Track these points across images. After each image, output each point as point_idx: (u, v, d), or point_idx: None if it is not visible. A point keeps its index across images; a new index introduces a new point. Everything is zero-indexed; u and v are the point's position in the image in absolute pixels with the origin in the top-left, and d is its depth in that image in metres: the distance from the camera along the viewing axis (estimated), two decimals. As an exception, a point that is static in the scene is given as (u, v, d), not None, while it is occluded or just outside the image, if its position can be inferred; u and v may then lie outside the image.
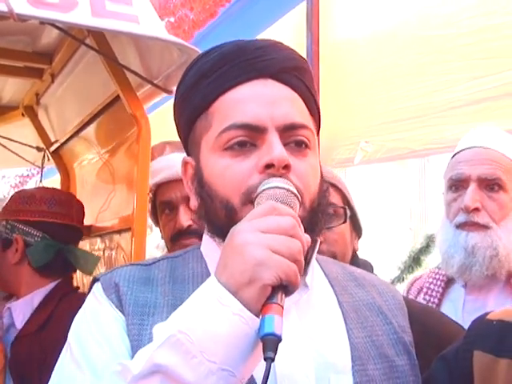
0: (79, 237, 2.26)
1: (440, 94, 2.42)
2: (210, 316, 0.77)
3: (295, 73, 1.00)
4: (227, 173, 0.94)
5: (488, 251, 1.71)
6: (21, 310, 2.02)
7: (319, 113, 1.06)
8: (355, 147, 2.87)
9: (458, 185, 1.79)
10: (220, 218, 0.96)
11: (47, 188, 2.40)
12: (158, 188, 1.95)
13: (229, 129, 0.94)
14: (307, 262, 0.98)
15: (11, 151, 3.19)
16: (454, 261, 1.76)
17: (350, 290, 1.09)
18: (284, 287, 0.78)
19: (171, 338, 0.76)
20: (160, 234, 2.00)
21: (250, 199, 0.92)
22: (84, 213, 2.29)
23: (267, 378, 0.73)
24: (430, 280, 1.92)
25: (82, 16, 1.60)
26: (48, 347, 1.80)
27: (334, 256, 1.44)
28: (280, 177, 0.91)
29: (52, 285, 2.07)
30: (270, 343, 0.74)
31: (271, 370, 0.77)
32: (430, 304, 1.84)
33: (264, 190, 0.89)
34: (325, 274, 1.09)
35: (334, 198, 1.49)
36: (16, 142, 3.12)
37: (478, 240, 1.72)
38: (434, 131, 2.51)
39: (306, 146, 0.97)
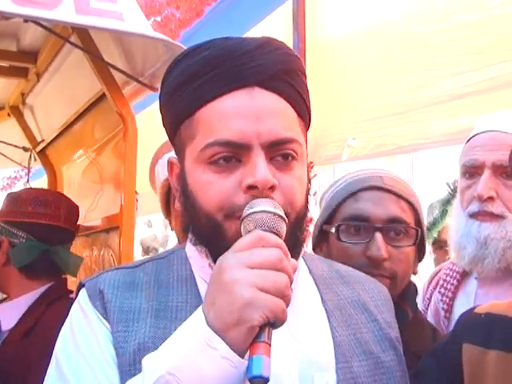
0: (69, 238, 2.20)
1: (425, 89, 2.43)
2: (198, 358, 0.78)
3: (285, 77, 0.96)
4: (211, 189, 0.93)
5: (501, 243, 1.61)
6: (7, 313, 2.00)
7: (309, 113, 1.04)
8: (342, 144, 2.88)
9: (471, 171, 1.67)
10: (204, 229, 0.96)
11: (35, 189, 2.38)
12: None
13: (212, 145, 0.92)
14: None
15: (-2, 152, 3.17)
16: (466, 252, 1.67)
17: (335, 287, 1.09)
18: (271, 324, 0.79)
19: (160, 380, 0.77)
20: (170, 226, 1.95)
21: (233, 216, 0.91)
22: (77, 213, 2.23)
23: None
24: (447, 272, 1.85)
25: (65, 13, 1.59)
26: (32, 355, 1.78)
27: (395, 275, 1.39)
28: (266, 197, 0.90)
29: (42, 289, 2.04)
30: None
31: None
32: (444, 298, 1.80)
33: (250, 213, 0.88)
34: (310, 271, 1.09)
35: (408, 216, 1.43)
36: (2, 142, 3.10)
37: (492, 231, 1.62)
38: (419, 126, 2.52)
39: (293, 158, 0.95)
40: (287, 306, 0.80)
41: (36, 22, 1.77)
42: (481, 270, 1.66)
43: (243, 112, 0.92)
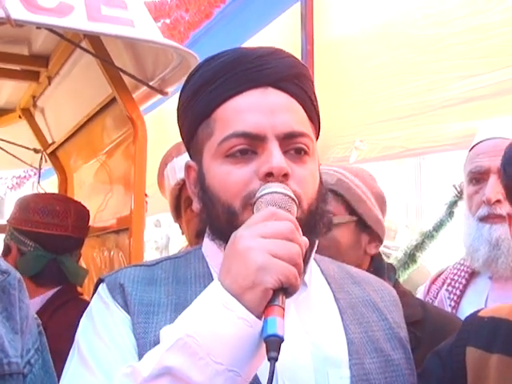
0: (77, 245, 2.22)
1: (433, 92, 2.43)
2: (216, 320, 0.80)
3: (295, 80, 1.02)
4: (229, 179, 0.97)
5: None
6: None
7: (319, 118, 1.09)
8: (350, 146, 2.89)
9: (478, 177, 1.76)
10: (221, 221, 0.99)
11: (44, 196, 2.38)
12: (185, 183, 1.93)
13: (230, 137, 0.97)
14: (305, 261, 1.01)
15: (9, 153, 3.20)
16: (479, 254, 1.74)
17: (346, 287, 1.11)
18: (284, 289, 0.82)
19: (179, 342, 0.79)
20: (180, 229, 1.96)
21: (250, 203, 0.94)
22: (86, 219, 2.24)
23: (272, 377, 0.76)
24: (454, 271, 1.91)
25: (78, 20, 1.62)
26: None
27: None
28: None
29: (49, 293, 2.06)
30: (273, 344, 0.77)
31: None
32: (451, 295, 1.85)
33: (262, 195, 0.92)
34: (322, 272, 1.12)
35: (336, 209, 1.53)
36: (13, 143, 3.13)
37: (502, 232, 1.68)
38: (428, 130, 2.52)
39: (306, 152, 1.00)
40: (299, 274, 0.83)
41: (48, 28, 1.79)
42: (495, 270, 1.73)
43: (258, 107, 0.98)
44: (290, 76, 1.01)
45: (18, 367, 1.15)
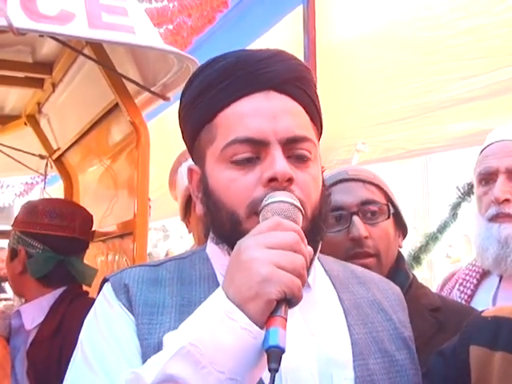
0: (83, 248, 2.27)
1: (433, 94, 2.46)
2: (219, 329, 0.81)
3: (297, 83, 1.01)
4: (232, 185, 0.97)
5: None
6: (30, 312, 2.07)
7: (321, 121, 1.08)
8: (353, 148, 2.91)
9: (487, 178, 1.79)
10: (225, 227, 0.99)
11: (52, 200, 2.42)
12: None
13: (233, 143, 0.97)
14: (309, 264, 1.01)
15: (15, 160, 3.23)
16: (489, 253, 1.76)
17: (351, 287, 1.12)
18: (288, 300, 0.82)
19: (182, 350, 0.80)
20: (187, 229, 1.97)
21: (254, 211, 0.95)
22: (91, 223, 2.29)
23: None
24: (466, 272, 1.94)
25: (79, 28, 1.65)
26: (64, 351, 1.83)
27: (378, 251, 1.51)
28: (283, 189, 0.94)
29: (60, 290, 2.10)
30: (274, 355, 0.78)
31: None
32: (462, 294, 1.88)
33: (269, 203, 0.92)
34: (326, 272, 1.12)
35: (377, 196, 1.56)
36: (19, 150, 3.17)
37: (511, 231, 1.72)
38: (428, 131, 2.55)
39: (308, 158, 1.00)
40: (303, 285, 0.84)
41: (54, 37, 1.83)
42: (505, 269, 1.75)
43: (260, 112, 0.97)
44: (292, 79, 1.01)
45: None
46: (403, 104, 2.60)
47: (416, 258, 3.35)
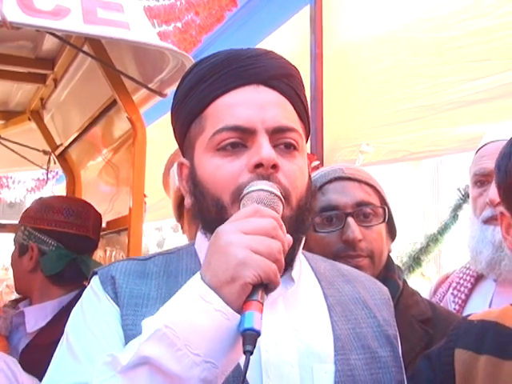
0: (94, 247, 2.25)
1: (437, 96, 2.43)
2: (194, 312, 0.82)
3: (285, 79, 1.04)
4: (219, 172, 0.99)
5: None
6: (33, 315, 2.03)
7: (309, 120, 1.10)
8: (357, 149, 2.89)
9: (482, 180, 1.76)
10: (211, 214, 1.01)
11: (66, 197, 2.42)
12: None
13: (221, 131, 0.99)
14: (292, 257, 1.04)
15: (21, 156, 3.25)
16: (483, 256, 1.72)
17: (336, 284, 1.13)
18: (264, 285, 0.83)
19: (157, 332, 0.81)
20: (181, 229, 1.96)
21: (239, 198, 0.96)
22: (101, 223, 2.28)
23: (246, 369, 0.78)
24: (460, 275, 1.90)
25: (74, 23, 1.65)
26: None
27: (372, 253, 1.48)
28: (268, 178, 0.96)
29: (67, 298, 2.06)
30: (249, 337, 0.78)
31: (258, 358, 0.88)
32: (456, 299, 1.85)
33: (249, 192, 0.93)
34: (312, 269, 1.13)
35: (373, 198, 1.53)
36: (23, 145, 3.18)
37: None
38: (431, 133, 2.51)
39: (295, 148, 1.02)
40: (280, 271, 0.85)
41: (48, 31, 1.83)
42: (499, 273, 1.71)
43: (249, 102, 1.00)
44: (281, 75, 1.04)
45: None
46: (409, 105, 2.58)
47: (416, 260, 3.32)
